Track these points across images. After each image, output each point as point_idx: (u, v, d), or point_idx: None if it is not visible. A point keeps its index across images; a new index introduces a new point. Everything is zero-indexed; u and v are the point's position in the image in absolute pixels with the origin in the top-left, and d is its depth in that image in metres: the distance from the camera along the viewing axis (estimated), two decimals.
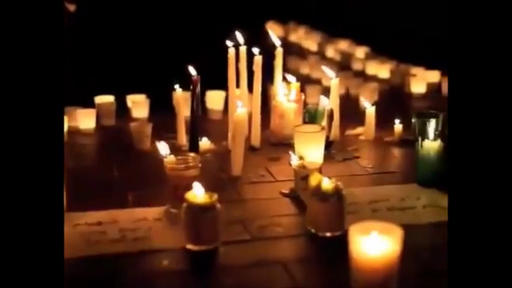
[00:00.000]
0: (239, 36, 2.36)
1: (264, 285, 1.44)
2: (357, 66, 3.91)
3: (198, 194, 1.59)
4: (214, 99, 2.86)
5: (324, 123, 2.27)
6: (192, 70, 2.24)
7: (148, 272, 1.52)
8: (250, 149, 2.33)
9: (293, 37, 4.91)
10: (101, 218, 1.78)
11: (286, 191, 1.92)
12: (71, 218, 1.76)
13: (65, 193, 1.79)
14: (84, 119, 2.65)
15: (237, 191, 1.98)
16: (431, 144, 1.95)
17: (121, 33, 4.33)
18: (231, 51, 2.34)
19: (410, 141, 2.15)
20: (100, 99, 2.82)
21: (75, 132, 2.62)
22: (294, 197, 1.89)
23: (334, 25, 4.70)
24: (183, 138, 2.39)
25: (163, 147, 1.85)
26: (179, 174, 1.79)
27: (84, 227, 1.73)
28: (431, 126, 1.94)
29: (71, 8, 2.23)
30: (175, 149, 1.99)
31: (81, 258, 1.57)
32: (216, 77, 2.52)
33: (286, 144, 2.25)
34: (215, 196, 1.59)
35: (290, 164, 1.93)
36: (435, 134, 1.95)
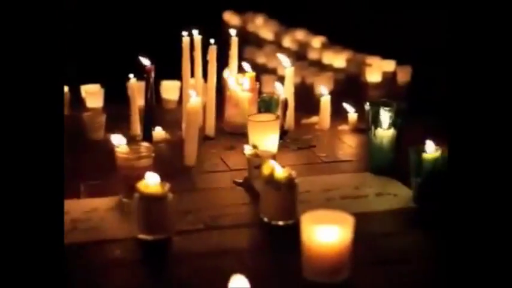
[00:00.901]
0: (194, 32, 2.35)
1: (217, 274, 1.44)
2: (313, 55, 3.92)
3: (149, 183, 1.58)
4: (169, 89, 2.84)
5: (279, 112, 2.27)
6: (145, 60, 2.23)
7: (101, 262, 1.51)
8: (204, 138, 2.32)
9: (250, 27, 4.90)
10: None
11: (240, 180, 1.92)
12: None
13: None
14: None
15: (190, 181, 1.97)
16: (384, 133, 1.96)
17: (74, 24, 4.28)
18: (185, 41, 2.32)
19: (364, 130, 2.16)
20: None
21: None
22: (247, 186, 1.88)
23: (292, 15, 4.70)
24: (137, 128, 2.37)
25: (116, 137, 1.83)
26: (131, 164, 1.78)
27: None
28: (385, 114, 1.95)
29: None
30: (129, 139, 1.97)
31: None
32: (171, 67, 2.50)
33: (240, 134, 2.24)
34: (167, 186, 1.58)
35: (244, 153, 1.92)
36: (388, 123, 1.96)
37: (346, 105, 2.50)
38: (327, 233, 1.37)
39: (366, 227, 1.59)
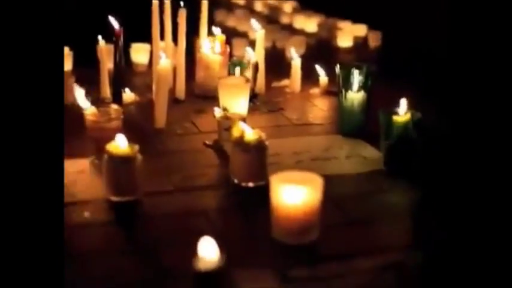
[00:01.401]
0: None
1: (187, 235, 1.44)
2: (284, 20, 3.90)
3: (118, 145, 1.57)
4: (138, 51, 2.81)
5: (249, 75, 2.26)
6: (115, 22, 2.20)
7: (70, 223, 1.50)
8: (174, 101, 2.31)
9: None
10: None
11: (210, 143, 1.92)
12: None
13: None
14: None
15: (160, 143, 1.96)
16: (354, 96, 1.97)
17: None
18: (155, 3, 2.29)
19: (335, 94, 2.16)
20: None
21: None
22: (217, 148, 1.88)
23: None
24: (106, 91, 2.35)
25: (83, 100, 1.82)
26: (100, 126, 1.77)
27: None
28: (355, 77, 1.95)
29: None
30: (98, 101, 1.95)
31: None
32: (141, 29, 2.48)
33: (211, 97, 2.23)
34: (136, 147, 1.57)
35: (214, 116, 1.92)
36: (359, 86, 1.96)
37: (317, 68, 2.49)
38: (295, 194, 1.38)
39: (335, 189, 1.60)
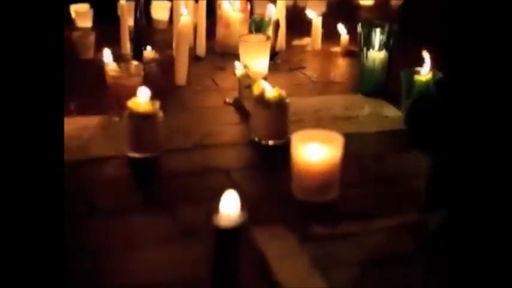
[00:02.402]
0: None
1: (207, 192, 1.44)
2: None
3: (140, 101, 1.56)
4: (159, 9, 2.80)
5: (270, 33, 2.25)
6: None
7: (90, 180, 1.51)
8: (195, 58, 2.30)
9: None
10: None
11: (230, 100, 1.91)
12: None
13: None
14: None
15: (180, 100, 1.96)
16: (376, 54, 1.95)
17: None
18: None
19: (355, 52, 2.14)
20: None
21: None
22: (237, 105, 1.87)
23: None
24: (126, 48, 2.35)
25: (106, 55, 1.81)
26: (121, 83, 1.76)
27: None
28: (377, 36, 1.93)
29: None
30: (119, 58, 1.95)
31: None
32: None
33: (231, 54, 2.22)
34: (157, 104, 1.57)
35: (235, 74, 1.91)
36: (380, 44, 1.94)
37: (339, 27, 2.47)
38: (316, 152, 1.38)
39: (355, 148, 1.59)
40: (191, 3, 2.35)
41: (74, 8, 2.80)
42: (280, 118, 1.64)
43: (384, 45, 1.94)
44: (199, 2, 2.31)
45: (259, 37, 2.12)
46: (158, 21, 2.79)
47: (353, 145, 1.49)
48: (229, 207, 1.07)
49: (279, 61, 2.30)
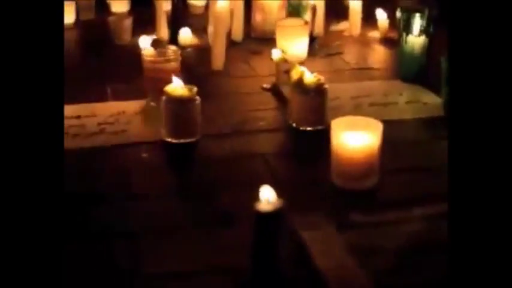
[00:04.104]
0: None
1: (244, 178, 1.44)
2: None
3: (177, 86, 1.56)
4: None
5: (308, 18, 2.23)
6: None
7: (128, 165, 1.51)
8: (231, 43, 2.29)
9: None
10: (80, 111, 1.75)
11: (268, 86, 1.90)
12: None
13: None
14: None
15: (217, 85, 1.95)
16: (415, 40, 1.92)
17: None
18: None
19: (394, 38, 2.11)
20: None
21: None
22: (275, 91, 1.86)
23: None
24: (163, 32, 2.34)
25: (142, 40, 1.81)
26: (158, 67, 1.76)
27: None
28: (416, 21, 1.90)
29: None
30: (155, 43, 1.95)
31: None
32: None
33: (268, 39, 2.21)
34: (195, 89, 1.56)
35: (272, 59, 1.90)
36: (419, 30, 1.91)
37: (378, 11, 2.44)
38: (355, 139, 1.36)
39: (394, 135, 1.57)
40: None
41: None
42: (318, 104, 1.63)
43: (424, 31, 1.91)
44: None
45: (297, 22, 2.10)
46: (195, 6, 2.78)
47: (392, 132, 1.47)
48: (268, 192, 1.06)
49: (316, 46, 2.28)
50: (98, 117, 1.71)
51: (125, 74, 2.02)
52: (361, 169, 1.37)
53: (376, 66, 2.16)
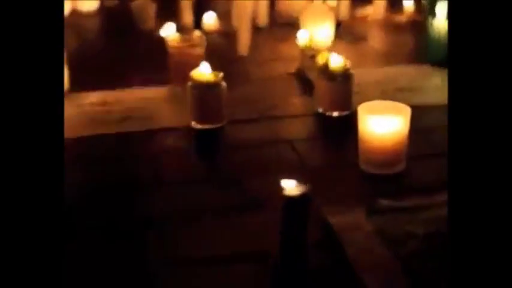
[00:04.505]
0: None
1: (271, 162, 1.43)
2: None
3: (203, 72, 1.55)
4: None
5: (333, 3, 2.21)
6: None
7: (155, 150, 1.51)
8: (256, 29, 2.28)
9: None
10: (106, 97, 1.75)
11: (294, 71, 1.89)
12: (75, 98, 1.74)
13: (68, 74, 1.76)
14: (86, 0, 2.60)
15: (243, 71, 1.94)
16: (441, 24, 1.90)
17: None
18: None
19: (420, 22, 2.10)
20: None
21: (77, 13, 2.56)
22: (301, 76, 1.85)
23: None
24: (188, 17, 2.34)
25: (167, 26, 1.81)
26: (183, 52, 1.76)
27: (89, 107, 1.71)
28: (442, 5, 1.88)
29: None
30: (180, 29, 1.94)
31: (86, 138, 1.56)
32: None
33: (293, 24, 2.19)
34: (221, 74, 1.56)
35: (297, 44, 1.88)
36: (446, 13, 1.89)
37: None
38: (383, 124, 1.35)
39: (422, 120, 1.56)
40: None
41: None
42: (344, 89, 1.62)
43: None
44: None
45: (322, 7, 2.09)
46: None
47: (419, 117, 1.46)
48: (295, 178, 1.06)
49: (342, 31, 2.26)
50: (124, 104, 1.72)
51: (150, 60, 2.01)
52: (389, 154, 1.36)
53: (402, 50, 2.14)
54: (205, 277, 1.09)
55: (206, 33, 2.08)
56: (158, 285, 1.08)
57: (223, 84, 1.56)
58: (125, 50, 2.12)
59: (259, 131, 1.58)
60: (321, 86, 1.63)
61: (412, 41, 2.24)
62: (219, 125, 1.56)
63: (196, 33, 1.85)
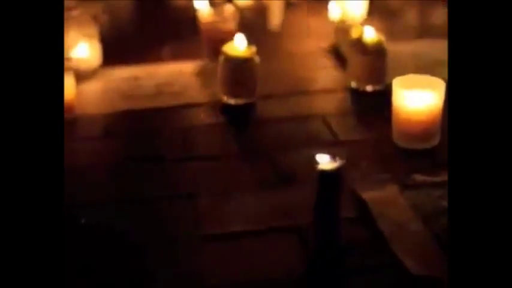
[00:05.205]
0: None
1: (303, 137, 1.42)
2: None
3: (236, 46, 1.54)
4: None
5: None
6: None
7: (186, 125, 1.51)
8: (288, 3, 2.26)
9: None
10: (137, 72, 1.75)
11: (326, 45, 1.87)
12: (106, 73, 1.74)
13: (100, 48, 1.76)
14: None
15: (276, 46, 1.92)
16: None
17: None
18: None
19: None
20: None
21: None
22: (334, 51, 1.83)
23: None
24: None
25: (200, 1, 1.79)
26: (216, 27, 1.74)
27: (120, 82, 1.70)
28: None
29: None
30: (212, 2, 1.93)
31: (118, 113, 1.56)
32: None
33: None
34: (253, 49, 1.54)
35: (330, 18, 1.86)
36: None
37: None
38: (418, 98, 1.33)
39: None
40: None
41: None
42: (378, 63, 1.60)
43: None
44: None
45: None
46: None
47: None
48: (328, 153, 1.05)
49: (375, 5, 2.23)
50: (155, 79, 1.71)
51: (181, 34, 2.00)
52: (424, 129, 1.34)
53: (437, 23, 2.10)
54: (239, 251, 1.09)
55: (238, 8, 2.06)
56: (187, 259, 1.08)
57: (257, 58, 1.54)
58: (156, 24, 2.11)
59: (290, 105, 1.56)
60: (354, 60, 1.61)
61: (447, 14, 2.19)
62: (251, 100, 1.55)
63: (229, 7, 1.83)
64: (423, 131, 1.34)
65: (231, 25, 1.75)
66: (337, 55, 1.81)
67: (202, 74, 1.73)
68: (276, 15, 2.02)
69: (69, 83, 1.52)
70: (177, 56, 1.84)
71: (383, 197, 1.21)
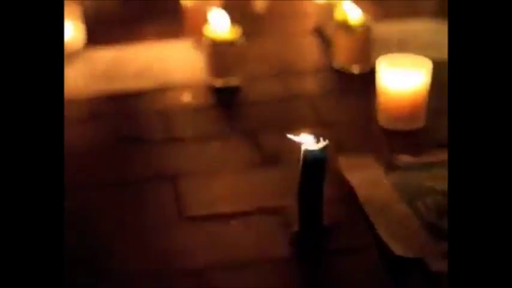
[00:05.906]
0: None
1: (288, 118, 1.42)
2: None
3: (220, 27, 1.53)
4: None
5: None
6: None
7: (171, 107, 1.50)
8: None
9: None
10: (120, 53, 1.74)
11: (311, 27, 1.86)
12: (89, 53, 1.72)
13: (82, 29, 1.75)
14: None
15: (261, 27, 1.92)
16: None
17: None
18: None
19: None
20: None
21: None
22: (319, 31, 1.82)
23: None
24: None
25: None
26: (199, 8, 1.73)
27: (103, 62, 1.69)
28: None
29: None
30: None
31: (101, 95, 1.55)
32: None
33: None
34: (239, 30, 1.53)
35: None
36: None
37: None
38: (403, 78, 1.32)
39: (443, 75, 1.53)
40: None
41: None
42: (363, 44, 1.59)
43: None
44: None
45: None
46: None
47: (441, 73, 1.43)
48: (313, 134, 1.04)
49: None
50: (140, 60, 1.70)
51: (165, 15, 1.99)
52: (409, 110, 1.34)
53: (424, 2, 2.09)
54: (223, 232, 1.09)
55: None
56: (175, 239, 1.08)
57: (241, 40, 1.54)
58: (140, 4, 2.09)
59: (276, 87, 1.56)
60: (339, 41, 1.60)
61: None
62: (236, 82, 1.54)
63: None
64: (408, 112, 1.34)
65: (215, 5, 1.73)
66: (322, 36, 1.80)
67: (187, 56, 1.72)
68: None
69: None
70: (161, 37, 1.83)
71: (368, 177, 1.21)
